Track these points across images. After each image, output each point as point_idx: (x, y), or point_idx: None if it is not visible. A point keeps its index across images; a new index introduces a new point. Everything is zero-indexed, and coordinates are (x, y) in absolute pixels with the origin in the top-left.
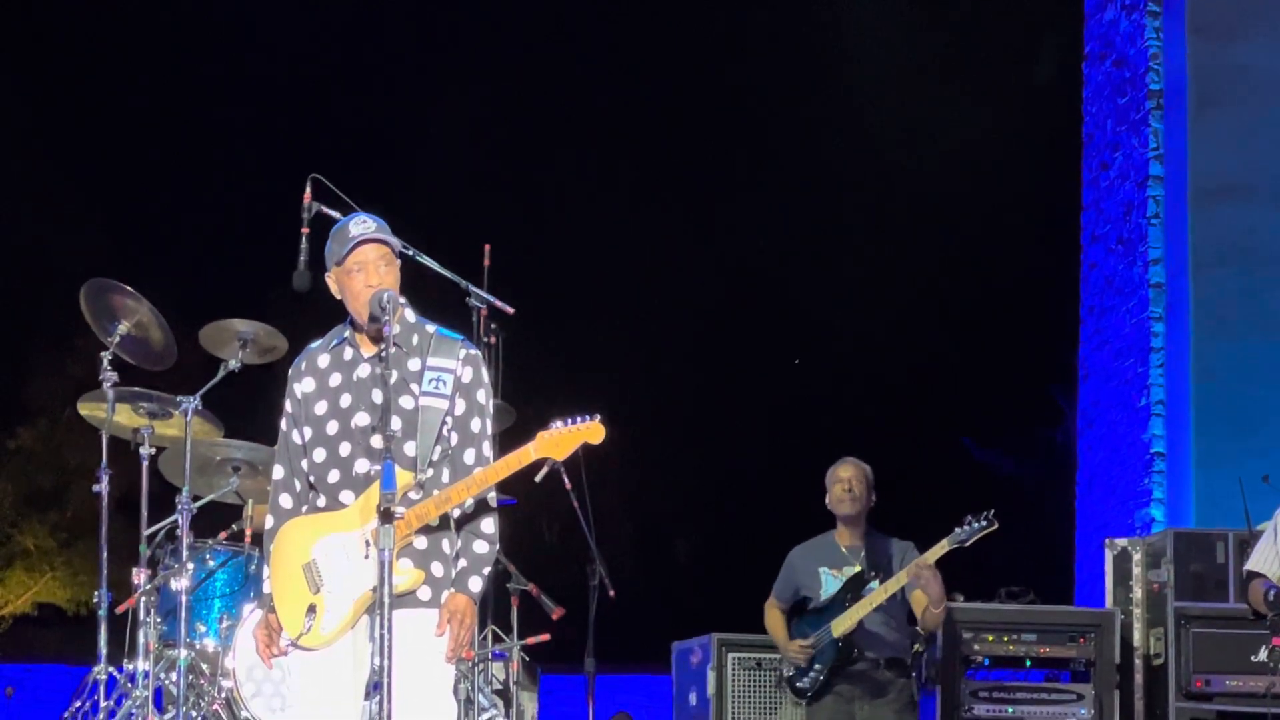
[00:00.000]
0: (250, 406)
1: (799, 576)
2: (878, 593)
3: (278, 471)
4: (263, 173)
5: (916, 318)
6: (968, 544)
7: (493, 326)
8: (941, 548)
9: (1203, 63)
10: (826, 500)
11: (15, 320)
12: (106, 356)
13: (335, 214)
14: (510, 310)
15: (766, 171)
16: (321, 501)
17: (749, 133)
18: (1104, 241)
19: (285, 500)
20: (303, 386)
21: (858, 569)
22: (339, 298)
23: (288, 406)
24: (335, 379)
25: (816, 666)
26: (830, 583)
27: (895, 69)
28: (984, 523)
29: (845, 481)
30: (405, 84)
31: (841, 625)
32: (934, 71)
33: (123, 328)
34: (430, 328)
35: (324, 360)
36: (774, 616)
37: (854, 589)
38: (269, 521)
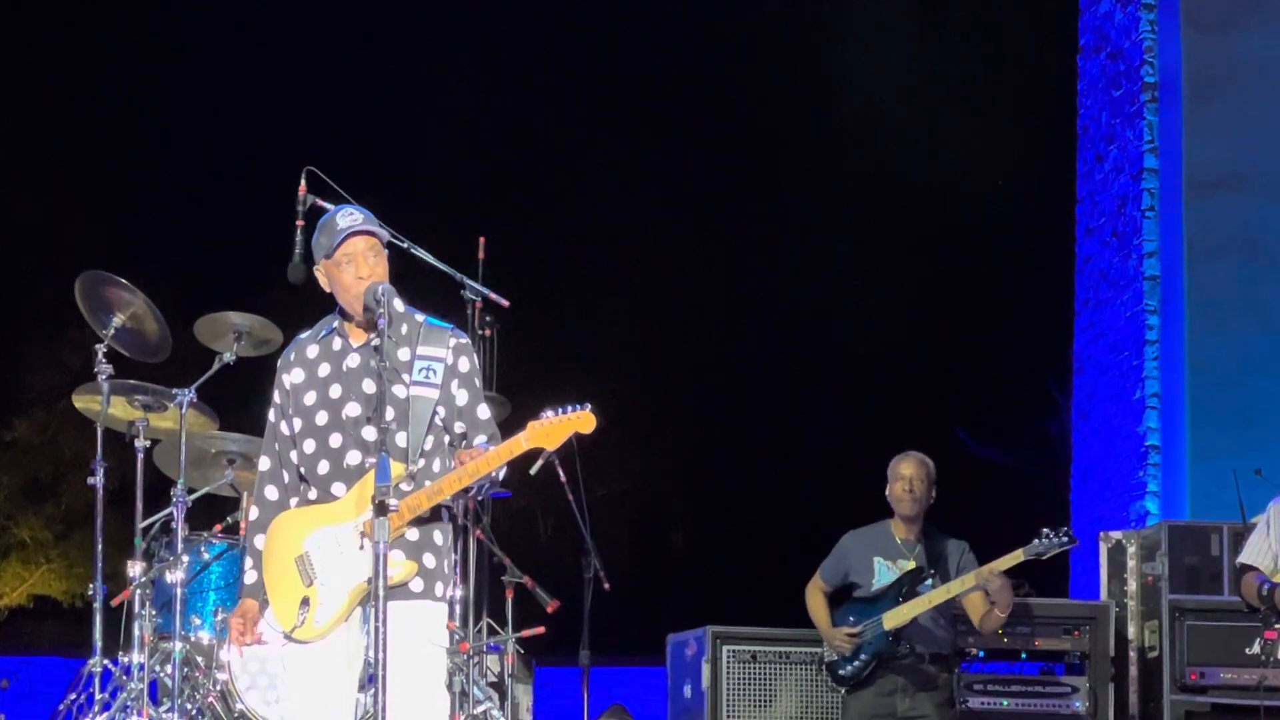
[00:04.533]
0: (245, 399)
1: (851, 562)
2: (939, 592)
3: (264, 463)
4: (258, 165)
5: (912, 310)
6: (1044, 557)
7: (488, 319)
8: (1015, 557)
9: (1197, 55)
10: (886, 492)
11: (11, 312)
12: (101, 349)
13: (330, 206)
14: (505, 303)
15: (761, 166)
16: (313, 494)
17: (742, 127)
18: (1099, 234)
19: (271, 492)
20: (291, 377)
21: (913, 564)
22: (328, 290)
23: (276, 397)
24: (324, 369)
25: (863, 656)
26: (884, 573)
27: (892, 67)
28: (1064, 539)
29: (907, 480)
30: (402, 77)
31: (895, 619)
32: (931, 70)
33: (118, 320)
34: (419, 317)
35: (313, 351)
36: (817, 599)
37: (910, 584)
38: (254, 513)
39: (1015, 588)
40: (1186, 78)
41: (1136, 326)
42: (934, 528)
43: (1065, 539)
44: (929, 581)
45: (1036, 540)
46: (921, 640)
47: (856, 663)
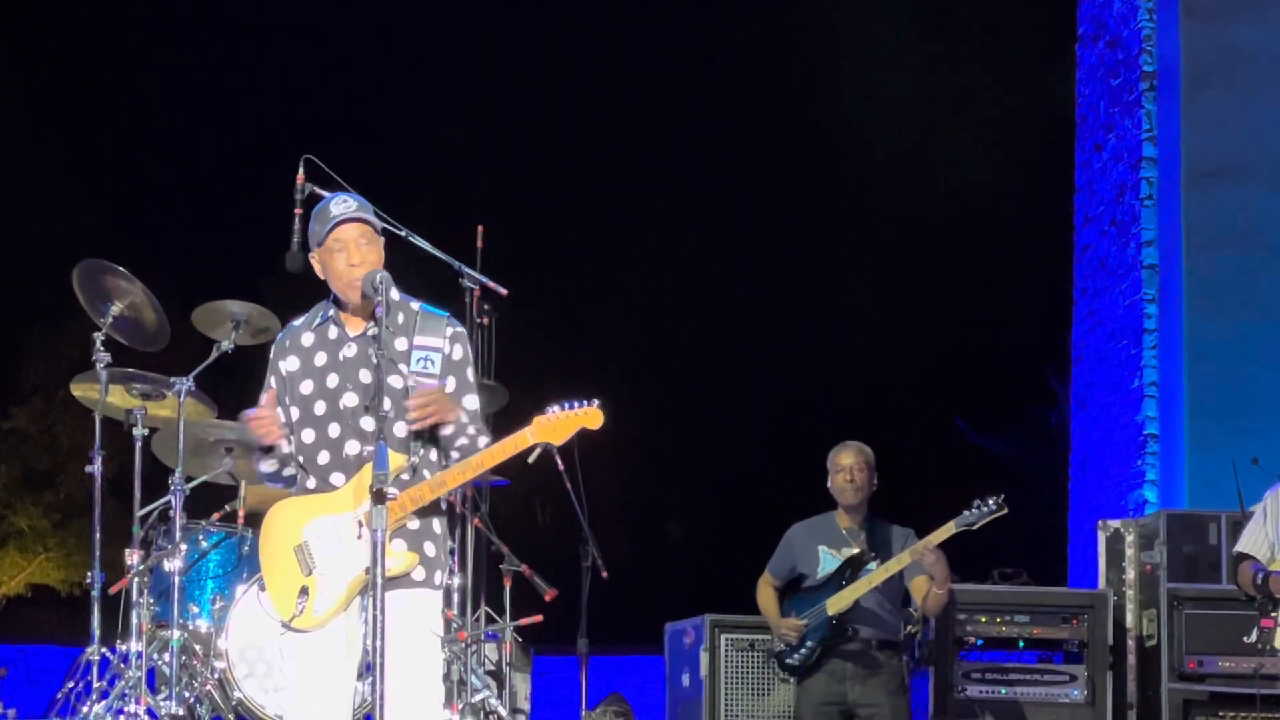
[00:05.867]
0: (244, 387)
1: (797, 553)
2: (877, 572)
3: None
4: (257, 154)
5: (911, 300)
6: (975, 527)
7: (486, 307)
8: (948, 530)
9: (1196, 44)
10: (829, 484)
11: (9, 301)
12: (100, 338)
13: (327, 194)
14: (504, 291)
15: (760, 154)
16: (311, 483)
17: (740, 117)
18: (1097, 223)
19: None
20: (287, 365)
21: (857, 549)
22: (322, 277)
23: (271, 382)
24: (320, 358)
25: (809, 644)
26: (829, 561)
27: (890, 58)
28: (993, 506)
29: (846, 470)
30: (401, 67)
31: (837, 604)
32: (929, 60)
33: (116, 309)
34: (415, 305)
35: (308, 339)
36: (766, 593)
37: (852, 568)
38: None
39: (1013, 576)
40: (1185, 67)
41: (1135, 315)
42: (879, 516)
43: (995, 507)
44: (871, 566)
45: (967, 511)
46: (867, 625)
47: (803, 650)
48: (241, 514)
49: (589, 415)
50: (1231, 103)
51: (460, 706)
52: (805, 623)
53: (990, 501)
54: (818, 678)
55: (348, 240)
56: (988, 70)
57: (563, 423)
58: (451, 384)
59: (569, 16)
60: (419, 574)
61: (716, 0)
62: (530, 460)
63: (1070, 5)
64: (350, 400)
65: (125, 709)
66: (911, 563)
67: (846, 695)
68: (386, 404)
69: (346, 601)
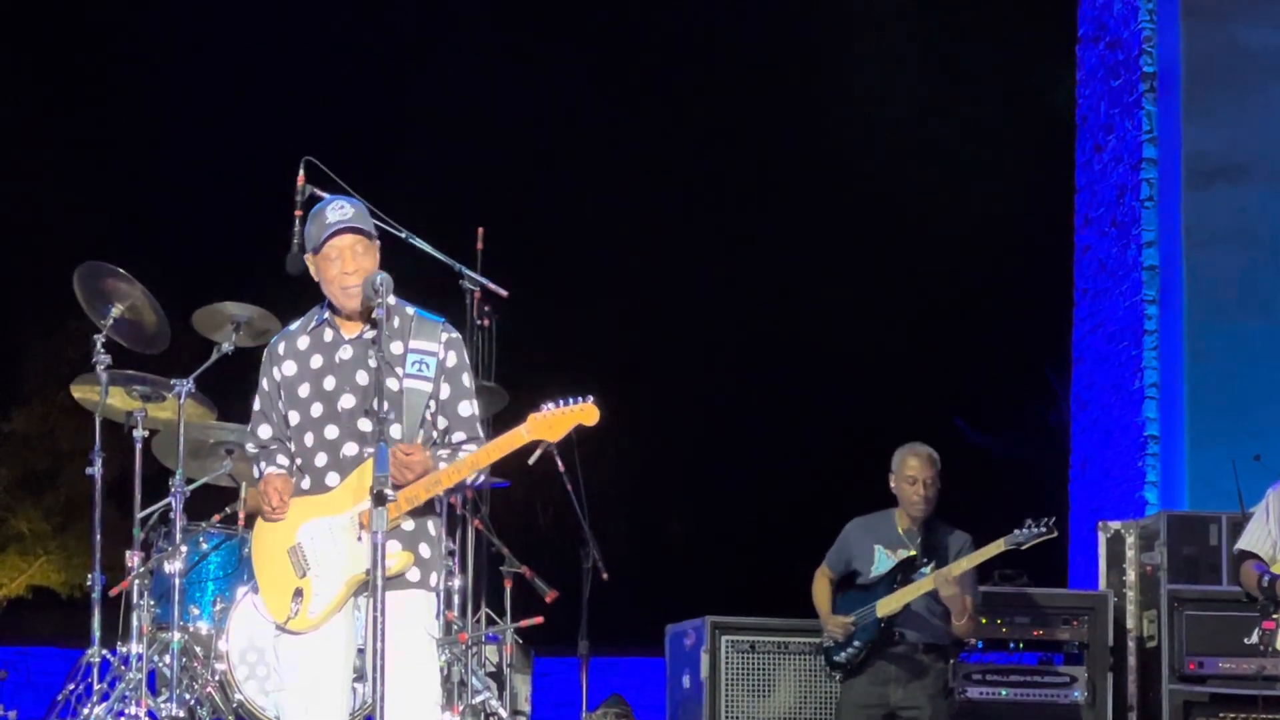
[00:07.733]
0: (244, 389)
1: (853, 549)
2: (928, 579)
3: (265, 430)
4: (257, 155)
5: (911, 299)
6: (1024, 547)
7: (486, 309)
8: (996, 547)
9: (1196, 45)
10: (892, 485)
11: (9, 303)
12: (100, 339)
13: (327, 196)
14: (504, 293)
15: (760, 154)
16: (305, 484)
17: (742, 117)
18: (1097, 224)
19: (265, 430)
20: (283, 370)
21: (912, 552)
22: (317, 280)
23: (264, 385)
24: (316, 361)
25: (856, 643)
26: (883, 561)
27: (891, 58)
28: (1043, 529)
29: (920, 483)
30: (401, 65)
31: (887, 606)
32: (929, 59)
33: (116, 310)
34: (409, 310)
35: (303, 342)
36: (822, 586)
37: (904, 571)
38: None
39: (1013, 577)
40: (1185, 67)
41: (1135, 316)
42: (939, 519)
43: (1045, 529)
44: (924, 570)
45: (1018, 530)
46: (914, 629)
47: (850, 649)
48: (242, 516)
49: (584, 411)
50: (1231, 103)
51: (461, 708)
52: (854, 621)
53: (1042, 524)
54: (860, 679)
55: (343, 249)
56: (987, 72)
57: (558, 419)
58: (446, 390)
59: (570, 17)
60: (414, 575)
61: (714, 1)
62: (531, 461)
63: (1070, 6)
64: (348, 402)
65: (126, 711)
66: None
67: (888, 698)
68: (384, 406)
69: (342, 602)
